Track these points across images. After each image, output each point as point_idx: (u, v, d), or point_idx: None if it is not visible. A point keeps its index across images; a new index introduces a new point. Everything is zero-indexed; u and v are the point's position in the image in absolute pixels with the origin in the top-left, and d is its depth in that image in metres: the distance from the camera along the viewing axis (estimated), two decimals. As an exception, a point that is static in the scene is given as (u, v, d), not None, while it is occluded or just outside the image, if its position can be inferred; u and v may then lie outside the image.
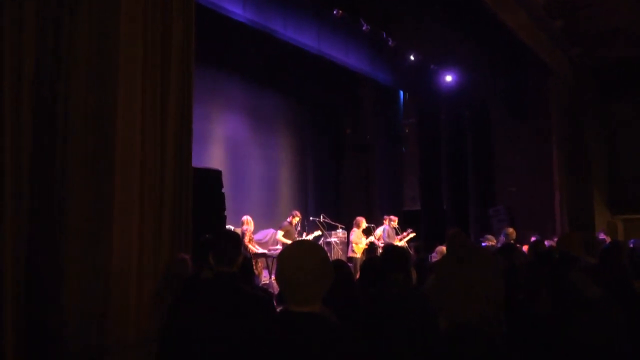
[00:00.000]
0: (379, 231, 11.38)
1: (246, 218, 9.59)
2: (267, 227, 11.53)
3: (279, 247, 10.04)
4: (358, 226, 11.02)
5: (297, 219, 10.40)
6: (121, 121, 4.09)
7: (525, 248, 7.91)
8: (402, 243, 11.11)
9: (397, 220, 11.60)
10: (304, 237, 10.58)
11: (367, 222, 11.30)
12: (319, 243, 10.23)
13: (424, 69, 14.04)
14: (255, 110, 12.91)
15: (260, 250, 9.86)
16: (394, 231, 11.49)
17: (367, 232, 11.20)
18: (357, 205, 14.35)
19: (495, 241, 9.01)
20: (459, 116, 15.20)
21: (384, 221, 11.88)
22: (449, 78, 14.54)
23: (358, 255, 10.80)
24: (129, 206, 4.08)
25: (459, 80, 14.52)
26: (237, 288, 2.85)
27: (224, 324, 2.65)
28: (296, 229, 10.60)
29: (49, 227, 3.83)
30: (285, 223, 10.38)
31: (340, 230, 11.94)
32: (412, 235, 11.39)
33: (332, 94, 14.42)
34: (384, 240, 11.14)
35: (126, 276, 4.01)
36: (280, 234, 10.14)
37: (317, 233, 10.95)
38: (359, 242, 10.83)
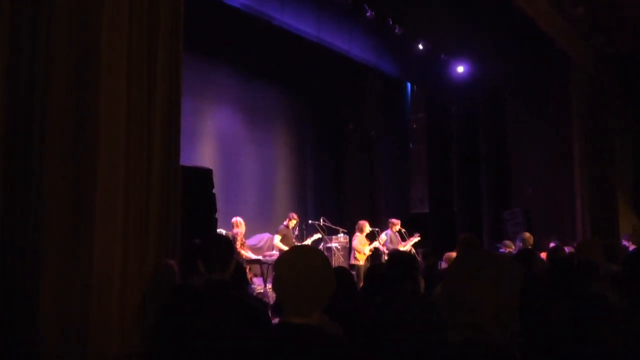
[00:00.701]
0: (383, 236, 11.39)
1: (237, 220, 9.59)
2: (262, 231, 11.54)
3: (275, 252, 10.05)
4: (361, 231, 11.00)
5: (294, 221, 10.41)
6: (104, 116, 4.09)
7: (543, 255, 7.91)
8: (407, 248, 11.11)
9: (399, 224, 11.59)
10: (303, 242, 10.59)
11: (371, 226, 11.32)
12: (319, 248, 10.24)
13: (433, 59, 14.03)
14: (249, 103, 12.92)
15: (254, 257, 9.86)
16: (398, 236, 11.49)
17: (371, 237, 11.20)
18: (360, 208, 14.35)
19: (513, 247, 8.99)
20: (471, 110, 15.20)
21: (389, 225, 11.88)
22: (460, 69, 14.54)
23: (361, 262, 10.79)
24: (112, 208, 4.08)
25: (472, 72, 14.52)
26: (230, 296, 2.85)
27: (215, 335, 2.66)
28: (294, 233, 10.61)
29: (24, 233, 3.83)
30: (282, 227, 10.38)
31: (341, 234, 11.94)
32: (416, 239, 11.36)
33: (333, 86, 14.43)
34: (386, 246, 11.13)
35: (109, 284, 4.01)
36: (277, 239, 10.14)
37: (317, 236, 10.97)
38: (362, 248, 10.83)
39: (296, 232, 10.87)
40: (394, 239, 11.38)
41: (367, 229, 11.05)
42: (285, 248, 9.11)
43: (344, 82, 14.55)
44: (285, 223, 10.43)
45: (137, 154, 4.34)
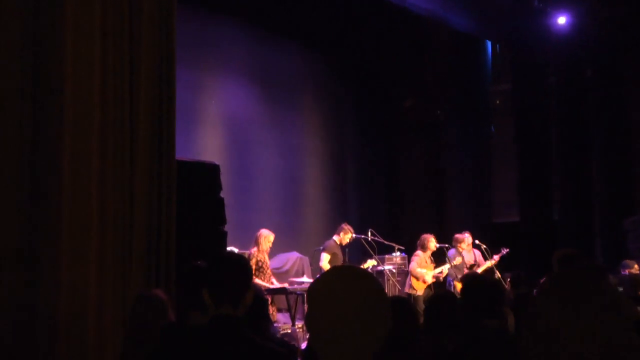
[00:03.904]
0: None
1: (263, 233, 9.61)
2: (287, 250, 11.54)
3: (306, 279, 10.06)
4: (423, 248, 10.99)
5: (349, 236, 10.45)
6: (70, 94, 4.14)
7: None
8: (482, 268, 11.07)
9: (469, 238, 11.54)
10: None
11: (439, 241, 11.25)
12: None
13: (524, 9, 13.88)
14: (266, 74, 12.96)
15: (278, 285, 9.88)
16: (474, 255, 11.47)
17: (439, 258, 11.16)
18: (423, 216, 14.26)
19: (638, 268, 8.88)
20: (577, 79, 14.98)
21: (454, 243, 11.76)
22: (562, 20, 14.34)
23: (419, 292, 10.82)
24: (82, 220, 4.12)
25: (578, 24, 14.30)
26: (245, 339, 2.85)
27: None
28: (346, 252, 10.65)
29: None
30: (331, 242, 10.41)
31: (397, 253, 11.89)
32: (494, 259, 11.28)
33: (382, 48, 14.35)
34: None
35: (79, 322, 4.06)
36: (324, 260, 10.17)
37: (371, 262, 10.89)
38: (422, 274, 10.84)
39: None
40: (468, 256, 11.37)
41: (433, 245, 11.02)
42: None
43: (398, 42, 14.47)
44: (335, 237, 10.45)
45: (115, 145, 4.38)
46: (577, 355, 1.68)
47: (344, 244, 10.46)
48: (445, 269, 11.05)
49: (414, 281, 10.87)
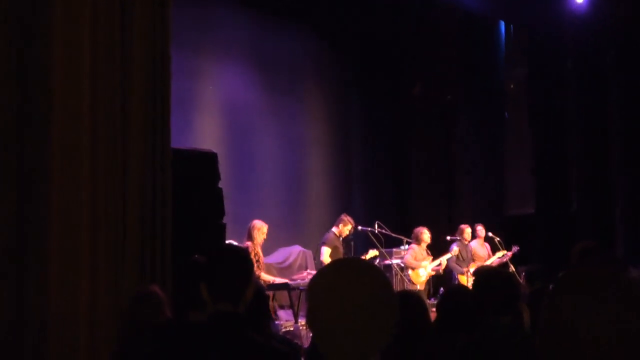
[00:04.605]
0: (474, 247, 11.50)
1: (256, 224, 9.57)
2: (290, 243, 11.56)
3: (311, 272, 10.10)
4: (418, 240, 11.23)
5: (349, 227, 10.49)
6: (59, 80, 4.14)
7: None
8: (492, 260, 11.17)
9: (483, 229, 11.75)
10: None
11: (452, 234, 11.56)
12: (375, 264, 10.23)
13: (539, -14, 13.84)
14: (267, 58, 12.95)
15: (280, 280, 9.90)
16: (485, 248, 11.57)
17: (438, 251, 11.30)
18: (432, 209, 14.26)
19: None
20: (597, 62, 14.92)
21: (477, 232, 11.87)
22: (580, -1, 14.30)
23: (419, 286, 11.01)
24: (73, 217, 4.13)
25: (598, 3, 14.25)
26: (245, 337, 2.86)
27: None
28: (350, 245, 10.66)
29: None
30: (331, 235, 10.44)
31: (405, 246, 11.91)
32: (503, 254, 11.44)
33: (390, 32, 14.33)
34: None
35: (70, 322, 4.07)
36: (325, 253, 10.21)
37: (373, 253, 10.97)
38: (418, 265, 11.06)
39: (352, 244, 10.91)
40: (480, 250, 11.49)
41: (427, 237, 11.24)
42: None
43: (406, 23, 14.44)
44: (334, 229, 10.48)
45: (106, 134, 4.38)
46: (597, 352, 1.68)
47: (343, 236, 10.48)
48: (444, 260, 11.19)
49: (412, 275, 11.03)
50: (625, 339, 1.68)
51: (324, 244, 10.38)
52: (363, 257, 10.56)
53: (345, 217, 10.55)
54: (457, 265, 11.50)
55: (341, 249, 10.43)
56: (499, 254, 11.54)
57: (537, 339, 1.83)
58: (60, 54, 4.17)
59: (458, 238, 11.78)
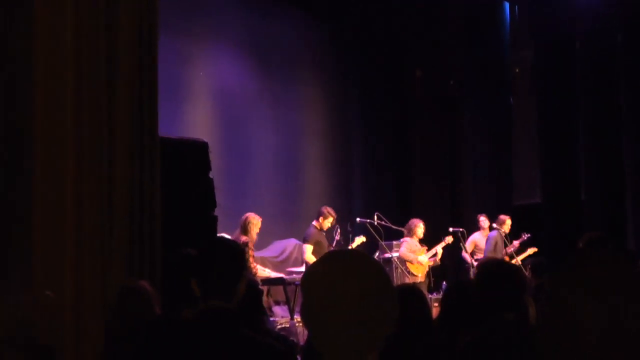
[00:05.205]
0: (477, 239, 11.54)
1: (250, 217, 9.53)
2: (285, 236, 11.56)
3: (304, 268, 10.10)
4: (411, 233, 11.32)
5: (330, 220, 10.42)
6: (41, 66, 4.13)
7: None
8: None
9: (486, 220, 11.93)
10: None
11: (454, 225, 11.64)
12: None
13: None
14: (262, 42, 12.92)
15: (274, 274, 9.91)
16: (494, 240, 11.64)
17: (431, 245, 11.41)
18: (435, 199, 14.28)
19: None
20: (606, 44, 14.90)
21: (480, 223, 11.92)
22: (589, -22, 14.27)
23: (420, 277, 11.13)
24: (57, 210, 4.13)
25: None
26: (238, 334, 2.86)
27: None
28: (333, 239, 10.62)
29: None
30: (312, 230, 10.39)
31: (406, 239, 11.93)
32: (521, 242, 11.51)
33: (390, 14, 14.30)
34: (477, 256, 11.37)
35: (55, 322, 4.06)
36: (307, 251, 10.17)
37: (359, 240, 10.98)
38: (414, 257, 11.15)
39: (337, 237, 10.86)
40: (499, 243, 11.57)
41: (420, 232, 11.31)
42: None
43: (407, 6, 14.40)
44: (315, 223, 10.42)
45: (91, 123, 4.37)
46: (602, 348, 1.67)
47: (324, 230, 10.41)
48: (439, 249, 11.24)
49: (411, 267, 11.09)
50: (628, 334, 1.67)
51: (305, 240, 10.35)
52: (350, 246, 10.60)
53: (326, 210, 10.47)
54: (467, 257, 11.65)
55: (325, 243, 10.38)
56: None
57: (538, 334, 1.82)
58: (42, 41, 4.16)
59: (463, 230, 11.84)
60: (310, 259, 10.03)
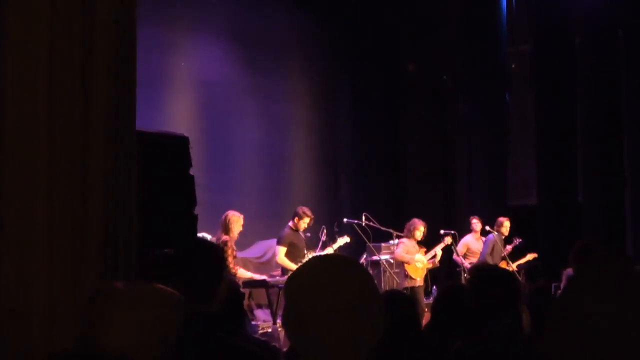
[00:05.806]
0: (469, 242, 11.60)
1: (230, 215, 9.52)
2: (269, 237, 11.56)
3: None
4: (410, 234, 11.33)
5: (305, 221, 10.37)
6: (13, 55, 4.10)
7: None
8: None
9: (479, 223, 12.03)
10: (325, 251, 10.54)
11: (446, 227, 11.67)
12: (361, 262, 10.26)
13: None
14: (247, 32, 12.93)
15: (257, 276, 9.91)
16: (480, 242, 11.75)
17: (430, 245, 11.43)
18: (427, 200, 14.31)
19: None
20: (606, 39, 14.96)
21: (472, 226, 11.98)
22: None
23: (419, 281, 11.14)
24: (27, 208, 4.10)
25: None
26: (219, 339, 2.85)
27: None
28: (320, 239, 10.63)
29: None
30: (287, 231, 10.36)
31: (395, 241, 11.94)
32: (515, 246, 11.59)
33: (383, 4, 14.35)
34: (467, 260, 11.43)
35: (25, 325, 4.04)
36: (280, 253, 10.13)
37: (342, 241, 10.96)
38: (411, 258, 11.18)
39: (323, 238, 10.86)
40: (497, 247, 11.64)
41: (419, 234, 11.31)
42: (295, 267, 9.09)
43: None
44: (291, 223, 10.41)
45: (64, 116, 4.34)
46: (612, 351, 1.68)
47: (300, 230, 10.37)
48: (438, 250, 11.30)
49: (409, 269, 11.12)
50: (635, 341, 1.68)
51: (278, 242, 10.29)
52: (331, 246, 10.60)
53: (301, 210, 10.42)
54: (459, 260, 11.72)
55: (301, 245, 10.35)
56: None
57: (543, 343, 1.82)
58: (15, 28, 4.12)
59: (455, 232, 11.90)
60: (283, 261, 10.04)
